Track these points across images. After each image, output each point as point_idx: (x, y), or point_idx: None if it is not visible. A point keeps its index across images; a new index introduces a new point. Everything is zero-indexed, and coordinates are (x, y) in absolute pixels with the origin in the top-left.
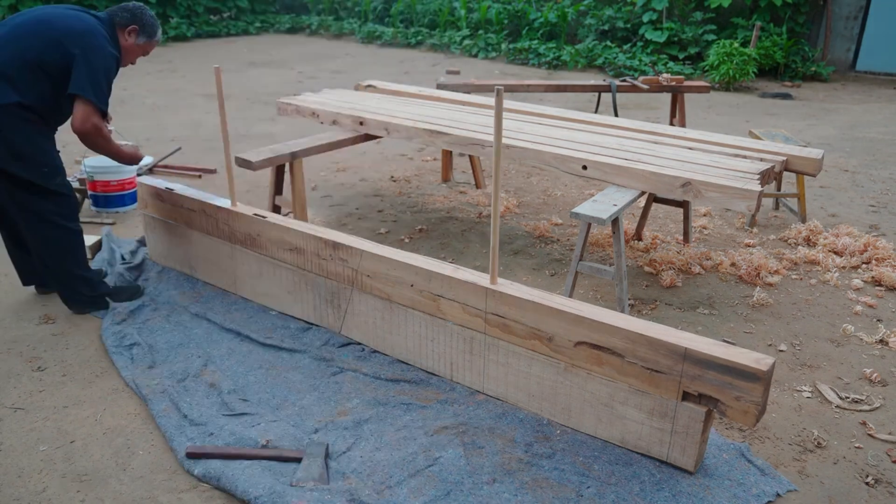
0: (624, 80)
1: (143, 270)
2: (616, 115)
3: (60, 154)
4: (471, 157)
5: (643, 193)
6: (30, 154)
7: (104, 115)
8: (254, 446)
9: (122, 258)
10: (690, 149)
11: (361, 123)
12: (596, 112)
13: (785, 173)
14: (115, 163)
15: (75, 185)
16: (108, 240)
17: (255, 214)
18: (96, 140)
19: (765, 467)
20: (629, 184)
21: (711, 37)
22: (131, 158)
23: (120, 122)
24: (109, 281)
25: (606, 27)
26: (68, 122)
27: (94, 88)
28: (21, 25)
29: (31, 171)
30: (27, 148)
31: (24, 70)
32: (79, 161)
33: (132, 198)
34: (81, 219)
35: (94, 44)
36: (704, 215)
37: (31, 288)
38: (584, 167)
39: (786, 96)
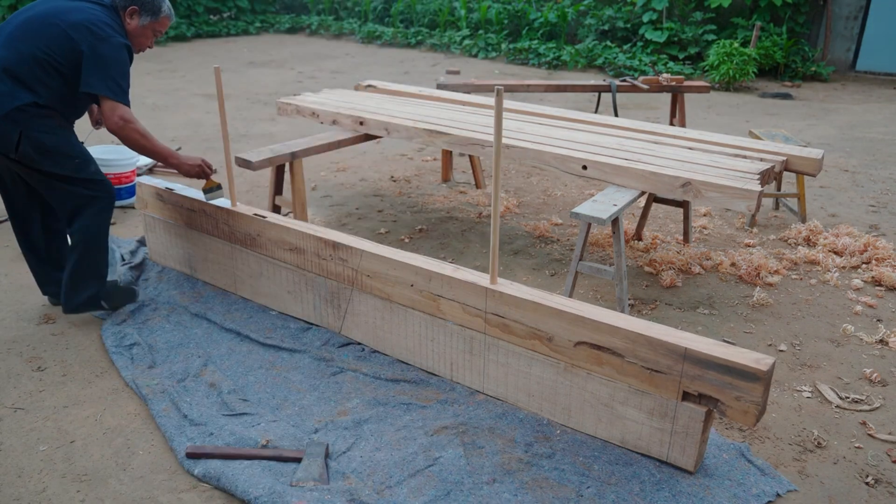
0: (624, 80)
1: (143, 270)
2: (616, 115)
3: None
4: (471, 157)
5: (643, 193)
6: (58, 148)
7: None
8: (254, 446)
9: (122, 258)
10: (690, 149)
11: (361, 123)
12: (596, 112)
13: (785, 173)
14: (110, 156)
15: None
16: (108, 240)
17: (255, 214)
18: (130, 135)
19: (765, 467)
20: (629, 184)
21: (711, 37)
22: (185, 166)
23: None
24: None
25: (606, 27)
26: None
27: (106, 83)
28: (27, 22)
29: (63, 165)
30: (54, 142)
31: (35, 68)
32: None
33: (129, 192)
34: None
35: (101, 35)
36: (704, 215)
37: (31, 287)
38: (584, 167)
39: (786, 96)
